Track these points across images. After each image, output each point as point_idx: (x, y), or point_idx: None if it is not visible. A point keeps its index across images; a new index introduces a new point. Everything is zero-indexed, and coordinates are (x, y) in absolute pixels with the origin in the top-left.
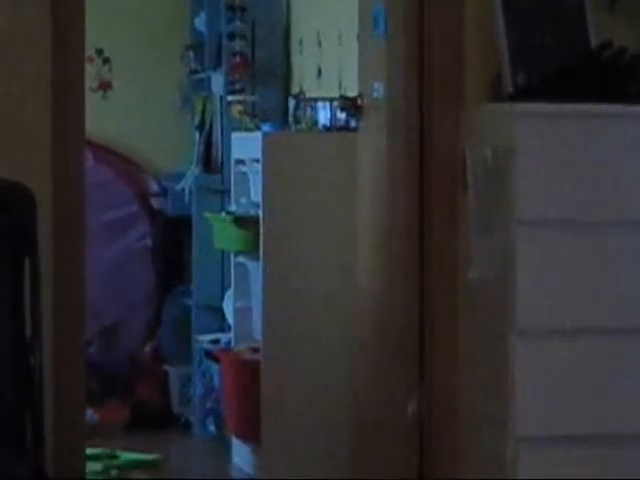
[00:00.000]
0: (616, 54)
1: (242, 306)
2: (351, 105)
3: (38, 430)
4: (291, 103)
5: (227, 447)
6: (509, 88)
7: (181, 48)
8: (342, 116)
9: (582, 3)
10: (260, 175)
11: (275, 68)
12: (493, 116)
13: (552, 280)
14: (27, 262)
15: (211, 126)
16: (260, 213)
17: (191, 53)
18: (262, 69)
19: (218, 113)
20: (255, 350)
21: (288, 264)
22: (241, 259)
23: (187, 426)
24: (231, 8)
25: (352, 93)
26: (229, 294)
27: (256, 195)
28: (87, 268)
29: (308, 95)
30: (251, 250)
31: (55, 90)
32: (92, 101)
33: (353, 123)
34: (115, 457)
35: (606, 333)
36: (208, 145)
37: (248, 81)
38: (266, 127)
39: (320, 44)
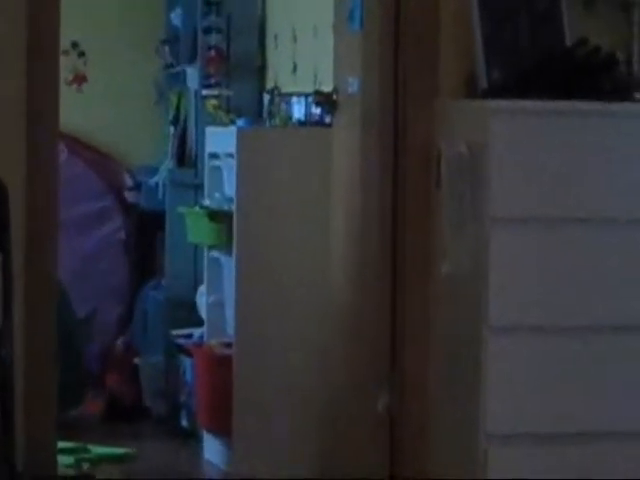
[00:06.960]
0: (591, 52)
1: (215, 301)
2: (326, 100)
3: (8, 422)
4: (266, 98)
5: (199, 442)
6: (484, 84)
7: (156, 42)
8: (317, 111)
9: (558, 1)
10: (234, 170)
11: (250, 63)
12: (467, 112)
13: (524, 276)
14: None
15: (186, 120)
16: (234, 208)
17: (166, 47)
18: (237, 64)
19: (193, 107)
20: (228, 345)
21: (261, 259)
22: (214, 254)
23: (159, 420)
24: (207, 2)
25: (327, 88)
26: (202, 289)
27: (230, 190)
28: (60, 261)
29: (284, 90)
30: (224, 245)
31: (30, 83)
32: (67, 94)
33: (328, 118)
34: (87, 451)
35: (578, 330)
36: (182, 139)
37: (223, 76)
38: (241, 122)
39: (295, 39)
